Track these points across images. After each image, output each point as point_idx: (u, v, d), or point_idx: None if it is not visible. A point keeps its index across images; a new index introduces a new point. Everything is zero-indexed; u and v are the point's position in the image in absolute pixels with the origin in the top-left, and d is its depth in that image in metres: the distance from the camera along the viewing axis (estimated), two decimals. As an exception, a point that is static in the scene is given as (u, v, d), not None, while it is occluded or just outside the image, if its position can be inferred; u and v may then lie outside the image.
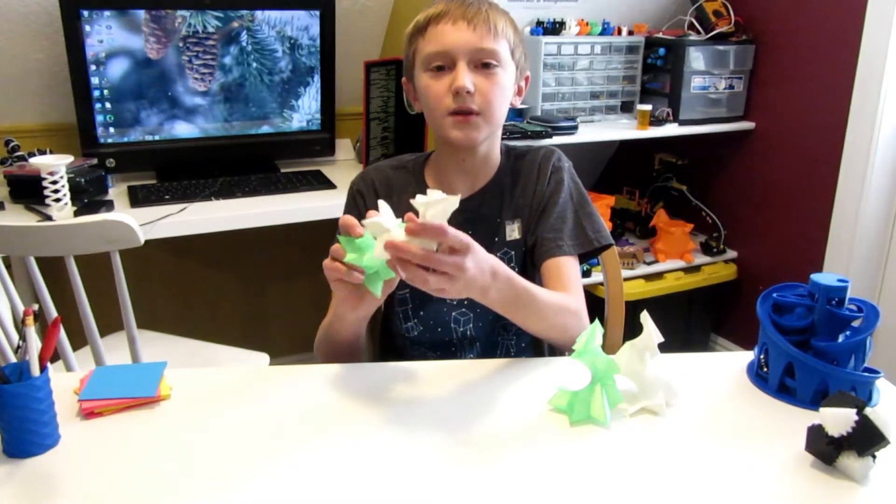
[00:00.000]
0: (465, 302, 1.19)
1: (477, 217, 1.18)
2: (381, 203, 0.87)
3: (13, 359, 1.37)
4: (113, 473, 0.81)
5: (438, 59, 1.09)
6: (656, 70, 2.53)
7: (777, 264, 2.57)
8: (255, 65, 2.16)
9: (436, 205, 0.83)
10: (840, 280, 0.96)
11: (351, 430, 0.90)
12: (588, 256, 1.20)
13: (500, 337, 1.22)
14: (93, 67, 1.97)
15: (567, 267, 1.14)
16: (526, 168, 1.21)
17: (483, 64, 1.09)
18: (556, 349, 1.25)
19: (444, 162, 1.19)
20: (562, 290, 1.08)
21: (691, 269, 2.59)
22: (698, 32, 2.50)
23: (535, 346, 1.23)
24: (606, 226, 1.22)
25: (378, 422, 0.92)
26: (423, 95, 1.14)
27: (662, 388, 0.94)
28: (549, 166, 1.20)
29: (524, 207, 1.19)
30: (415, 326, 1.22)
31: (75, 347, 1.56)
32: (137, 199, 1.93)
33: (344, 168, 2.32)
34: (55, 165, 1.73)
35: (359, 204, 1.21)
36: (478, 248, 0.88)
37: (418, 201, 0.84)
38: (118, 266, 1.43)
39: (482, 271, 0.89)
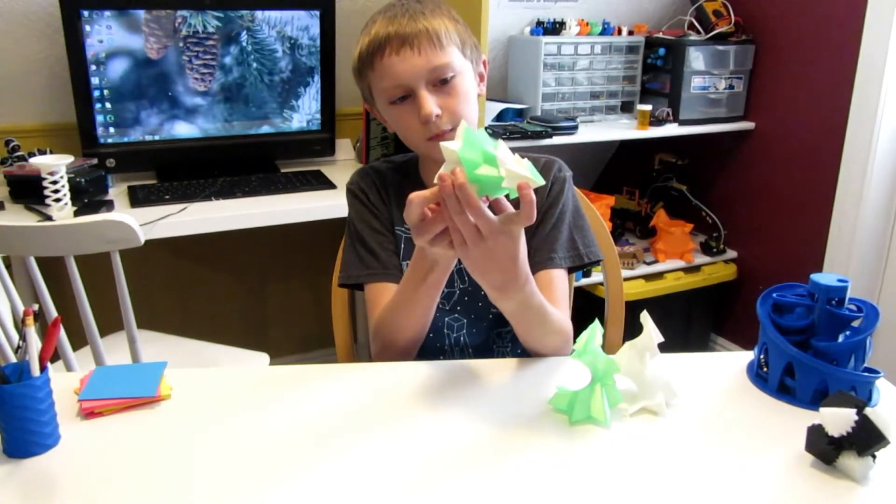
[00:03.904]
0: (458, 307, 1.19)
1: None
2: (463, 124, 0.85)
3: (13, 359, 1.37)
4: (113, 473, 0.81)
5: (396, 91, 1.07)
6: (656, 70, 2.53)
7: (777, 264, 2.57)
8: (255, 65, 2.16)
9: (517, 164, 0.82)
10: (840, 280, 0.96)
11: (351, 430, 0.90)
12: (575, 270, 1.19)
13: (494, 344, 1.21)
14: (93, 67, 1.97)
15: (558, 280, 1.13)
16: None
17: (441, 80, 1.07)
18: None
19: (436, 166, 1.19)
20: (552, 304, 1.06)
21: (691, 269, 2.59)
22: (698, 32, 2.50)
23: (529, 354, 1.22)
24: (601, 235, 1.21)
25: (378, 422, 0.92)
26: (393, 125, 1.13)
27: (662, 388, 0.94)
28: (550, 176, 1.18)
29: None
30: None
31: (75, 347, 1.56)
32: (137, 199, 1.93)
33: (344, 168, 2.32)
34: (55, 165, 1.73)
35: (363, 200, 1.20)
36: (521, 241, 0.89)
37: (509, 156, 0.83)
38: (118, 266, 1.43)
39: (510, 259, 0.89)
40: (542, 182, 0.82)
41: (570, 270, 1.18)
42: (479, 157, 0.83)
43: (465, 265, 0.90)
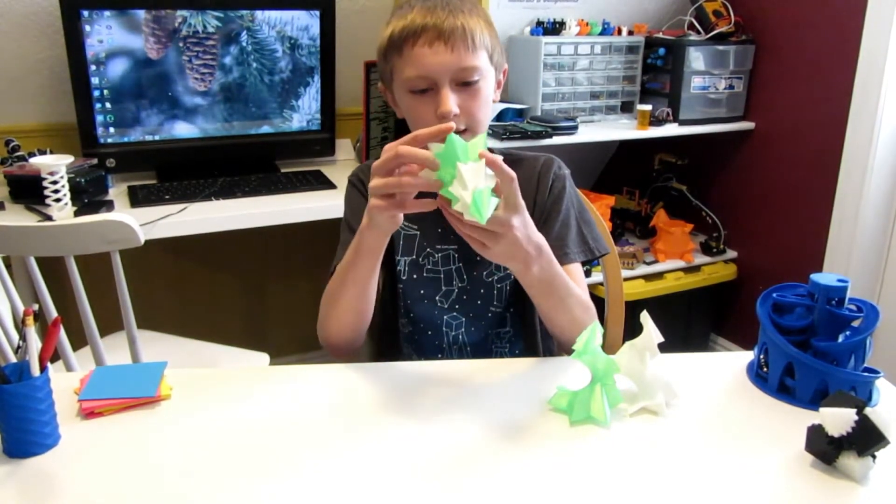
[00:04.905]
0: (457, 306, 1.19)
1: None
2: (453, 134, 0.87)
3: (13, 359, 1.37)
4: (113, 473, 0.81)
5: (420, 82, 1.06)
6: (656, 70, 2.53)
7: (777, 264, 2.57)
8: (255, 65, 2.16)
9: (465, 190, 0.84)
10: (840, 280, 0.96)
11: (351, 430, 0.90)
12: (586, 263, 1.20)
13: (493, 344, 1.21)
14: (93, 67, 1.97)
15: (576, 272, 1.14)
16: (524, 176, 1.18)
17: (465, 82, 1.06)
18: (551, 354, 1.25)
19: None
20: None
21: (691, 269, 2.59)
22: (698, 32, 2.50)
23: (528, 355, 1.22)
24: (602, 231, 1.22)
25: (378, 422, 0.92)
26: (406, 114, 1.12)
27: (662, 388, 0.94)
28: (550, 175, 1.18)
29: None
30: (406, 325, 1.21)
31: (75, 347, 1.56)
32: (137, 199, 1.93)
33: (344, 168, 2.32)
34: (55, 165, 1.73)
35: (360, 189, 1.20)
36: (527, 214, 0.93)
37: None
38: (118, 266, 1.43)
39: (528, 238, 0.93)
40: (479, 220, 0.84)
41: (583, 264, 1.18)
42: (451, 174, 0.85)
43: (491, 259, 0.95)
